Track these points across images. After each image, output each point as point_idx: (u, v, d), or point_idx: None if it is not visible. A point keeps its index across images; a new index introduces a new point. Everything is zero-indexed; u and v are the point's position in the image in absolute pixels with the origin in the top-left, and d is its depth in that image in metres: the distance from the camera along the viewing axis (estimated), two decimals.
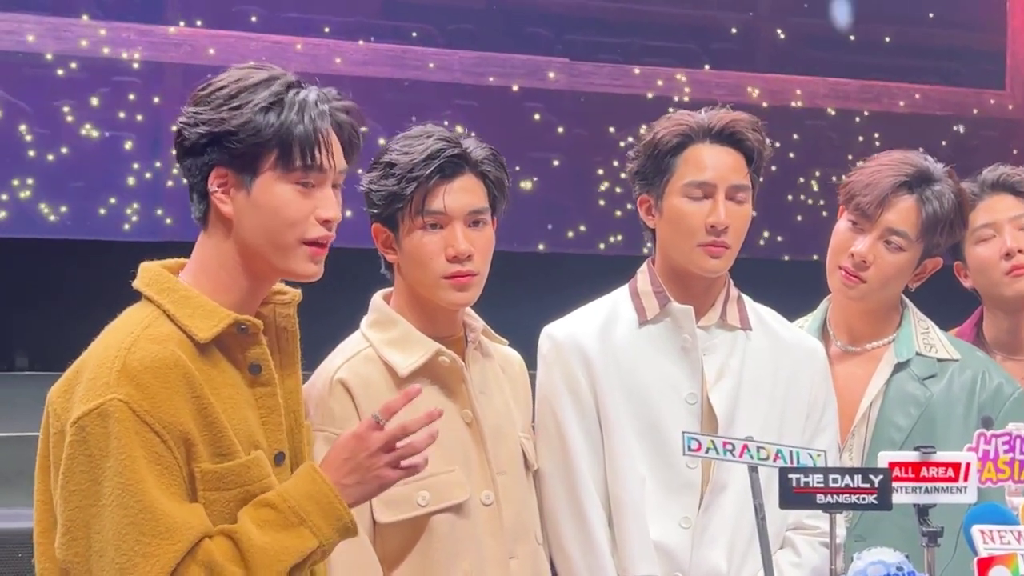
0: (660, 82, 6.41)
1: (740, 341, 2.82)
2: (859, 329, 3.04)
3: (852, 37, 6.81)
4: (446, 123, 2.69)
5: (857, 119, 6.73)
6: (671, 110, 2.98)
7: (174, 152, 2.30)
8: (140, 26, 5.74)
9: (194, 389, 2.15)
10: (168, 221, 5.70)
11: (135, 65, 5.69)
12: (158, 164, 5.70)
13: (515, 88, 6.25)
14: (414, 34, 6.13)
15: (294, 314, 2.38)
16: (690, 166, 2.76)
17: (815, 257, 3.11)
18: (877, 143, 6.16)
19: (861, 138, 6.65)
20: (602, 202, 6.25)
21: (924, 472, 2.33)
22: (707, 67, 6.58)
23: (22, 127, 5.54)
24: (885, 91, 6.80)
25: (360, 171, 2.58)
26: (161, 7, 5.80)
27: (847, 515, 2.80)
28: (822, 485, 2.25)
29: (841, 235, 2.99)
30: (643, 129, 2.83)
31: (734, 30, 6.71)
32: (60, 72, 5.61)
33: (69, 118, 5.60)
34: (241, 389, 2.23)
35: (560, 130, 6.30)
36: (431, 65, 6.12)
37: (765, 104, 6.54)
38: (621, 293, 2.88)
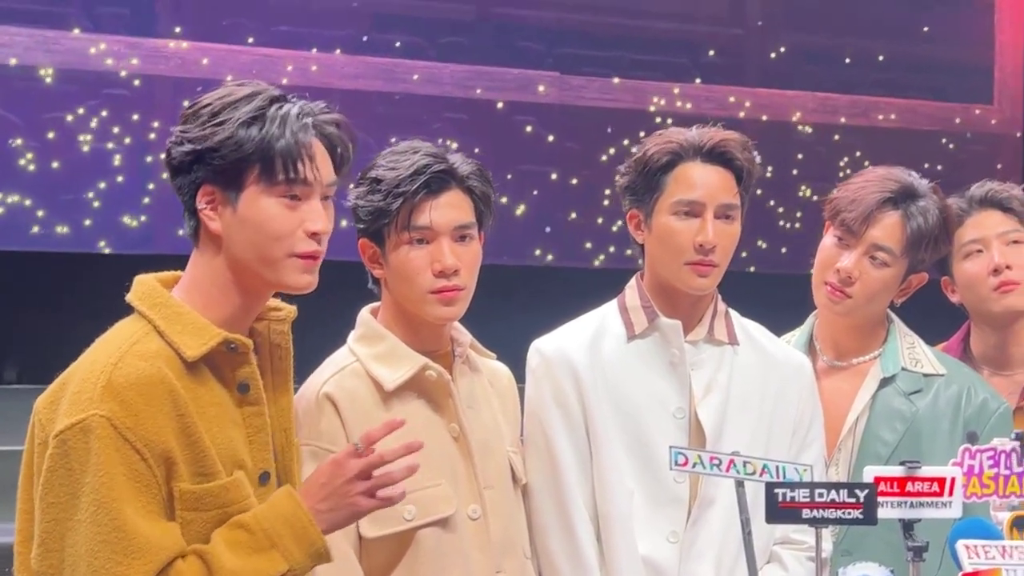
0: (650, 96, 6.42)
1: (728, 356, 2.83)
2: (845, 344, 3.05)
3: (840, 52, 6.84)
4: (441, 140, 2.69)
5: (845, 134, 6.75)
6: (661, 122, 2.99)
7: (164, 175, 2.31)
8: (131, 39, 5.74)
9: (178, 407, 2.15)
10: (159, 233, 5.70)
11: (126, 78, 5.70)
12: (149, 177, 5.70)
13: (506, 102, 6.26)
14: (405, 47, 6.14)
15: (288, 331, 2.38)
16: (680, 184, 2.77)
17: (803, 272, 3.12)
18: (864, 158, 6.18)
19: (848, 153, 6.67)
20: (592, 216, 6.26)
21: (909, 487, 2.34)
22: (697, 81, 6.59)
23: (12, 140, 5.54)
24: (873, 106, 6.82)
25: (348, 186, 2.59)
26: (152, 20, 5.81)
27: (833, 529, 2.81)
28: (808, 500, 2.26)
29: (827, 251, 3.01)
30: (626, 142, 2.84)
31: (724, 45, 6.73)
32: (50, 84, 5.61)
33: (59, 131, 5.60)
34: (228, 408, 2.23)
35: (551, 144, 6.32)
36: (421, 78, 6.13)
37: (754, 118, 6.56)
38: (610, 308, 2.89)
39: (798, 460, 2.68)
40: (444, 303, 2.58)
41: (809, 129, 6.72)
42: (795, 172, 6.62)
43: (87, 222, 5.64)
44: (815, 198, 3.12)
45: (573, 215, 6.29)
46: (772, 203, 6.52)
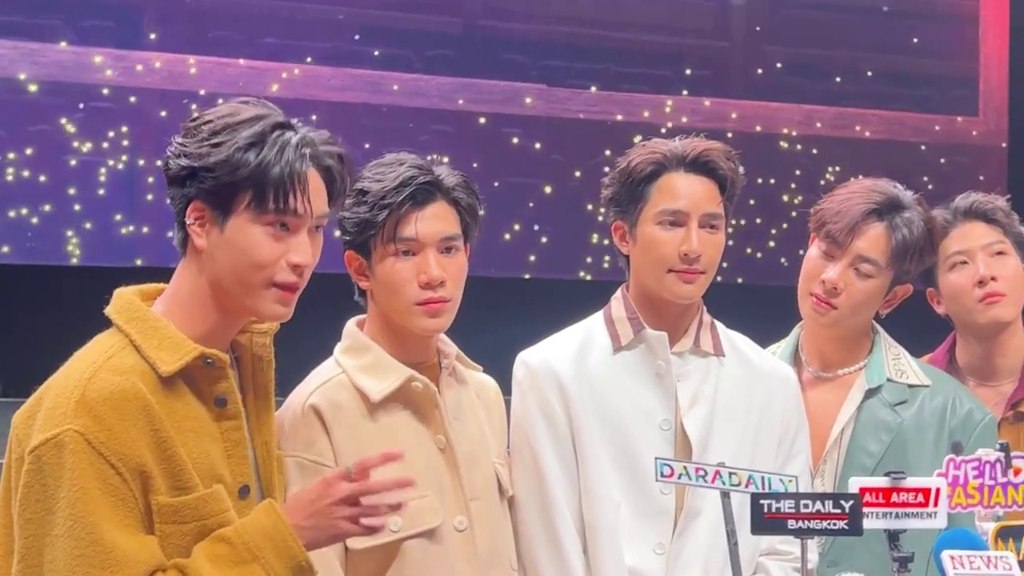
0: (637, 109, 6.44)
1: (713, 367, 2.84)
2: (831, 355, 3.05)
3: (826, 65, 6.85)
4: (433, 156, 2.69)
5: (830, 146, 6.76)
6: (647, 135, 3.00)
7: (150, 178, 2.30)
8: (118, 51, 5.74)
9: (153, 422, 2.14)
10: (145, 245, 5.69)
11: (112, 90, 5.70)
12: (136, 189, 5.69)
13: (492, 114, 6.27)
14: (391, 59, 6.15)
15: (270, 343, 2.38)
16: (664, 195, 2.78)
17: (788, 283, 3.13)
18: (850, 170, 6.20)
19: (834, 165, 6.69)
20: (578, 228, 6.26)
21: (895, 497, 2.35)
22: (684, 94, 6.61)
23: (1, 155, 5.54)
24: (859, 117, 6.84)
25: None
26: (139, 33, 5.80)
27: (819, 540, 2.81)
28: (793, 511, 2.26)
29: (812, 262, 3.02)
30: (611, 154, 2.84)
31: (710, 57, 6.75)
32: (36, 97, 5.61)
33: (45, 143, 5.60)
34: (205, 422, 2.23)
35: (537, 156, 6.32)
36: (408, 91, 6.14)
37: (740, 130, 6.58)
38: (596, 319, 2.89)
39: (784, 471, 2.68)
40: (430, 315, 2.58)
41: (794, 141, 6.73)
42: (780, 184, 6.64)
43: (73, 234, 5.63)
44: (800, 210, 3.12)
45: (559, 227, 6.30)
46: (757, 215, 6.53)
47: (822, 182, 6.52)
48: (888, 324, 3.11)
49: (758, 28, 6.83)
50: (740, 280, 6.32)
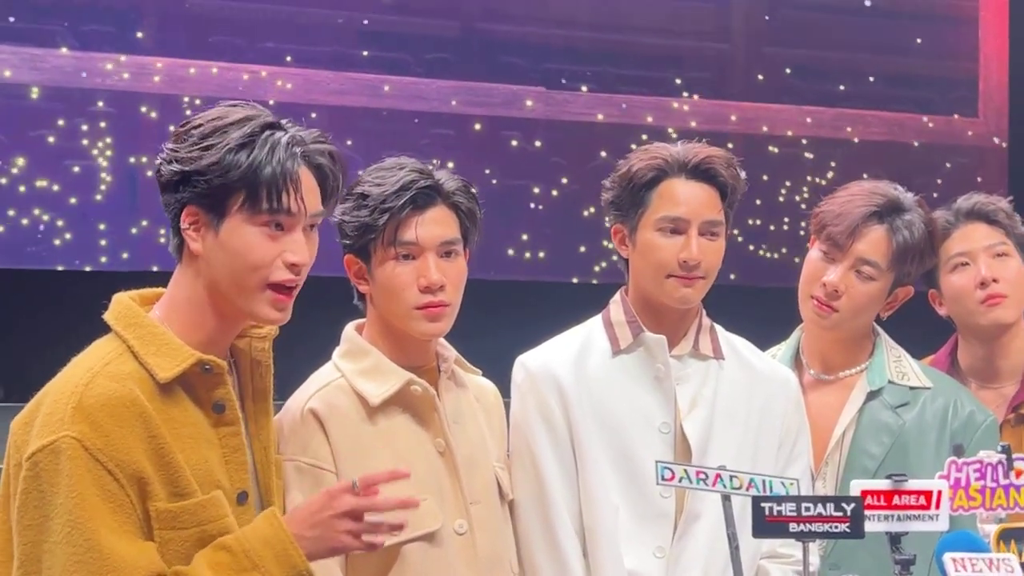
0: (636, 111, 6.44)
1: (713, 370, 2.83)
2: (832, 358, 3.05)
3: (826, 66, 6.85)
4: (435, 161, 2.68)
5: (830, 147, 6.76)
6: (647, 137, 3.00)
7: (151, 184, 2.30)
8: (118, 56, 5.74)
9: (150, 428, 2.14)
10: (146, 250, 5.68)
11: (112, 95, 5.69)
12: (136, 194, 5.69)
13: (491, 117, 6.27)
14: (390, 63, 6.14)
15: (269, 348, 2.38)
16: (664, 201, 2.77)
17: (789, 286, 3.12)
18: (850, 171, 6.19)
19: (834, 166, 6.69)
20: (578, 231, 6.26)
21: (896, 500, 2.34)
22: (684, 95, 6.60)
23: (1, 158, 5.53)
24: (859, 119, 6.83)
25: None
26: (138, 38, 5.80)
27: (820, 543, 2.81)
28: (795, 513, 2.26)
29: (813, 264, 3.01)
30: (612, 157, 2.84)
31: (710, 59, 6.75)
32: (36, 102, 5.61)
33: (45, 148, 5.60)
34: (203, 428, 2.23)
35: (536, 159, 6.32)
36: (407, 94, 6.13)
37: (740, 132, 6.57)
38: (595, 323, 2.89)
39: (785, 474, 2.69)
40: (429, 319, 2.58)
41: (795, 143, 6.73)
42: (780, 186, 6.63)
43: (73, 239, 5.63)
44: (801, 212, 3.12)
45: (558, 230, 6.29)
46: (757, 216, 6.53)
47: (822, 184, 6.51)
48: (889, 326, 3.11)
49: (758, 30, 6.82)
50: (740, 282, 6.32)
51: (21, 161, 5.61)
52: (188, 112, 5.47)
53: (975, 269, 3.17)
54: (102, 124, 5.70)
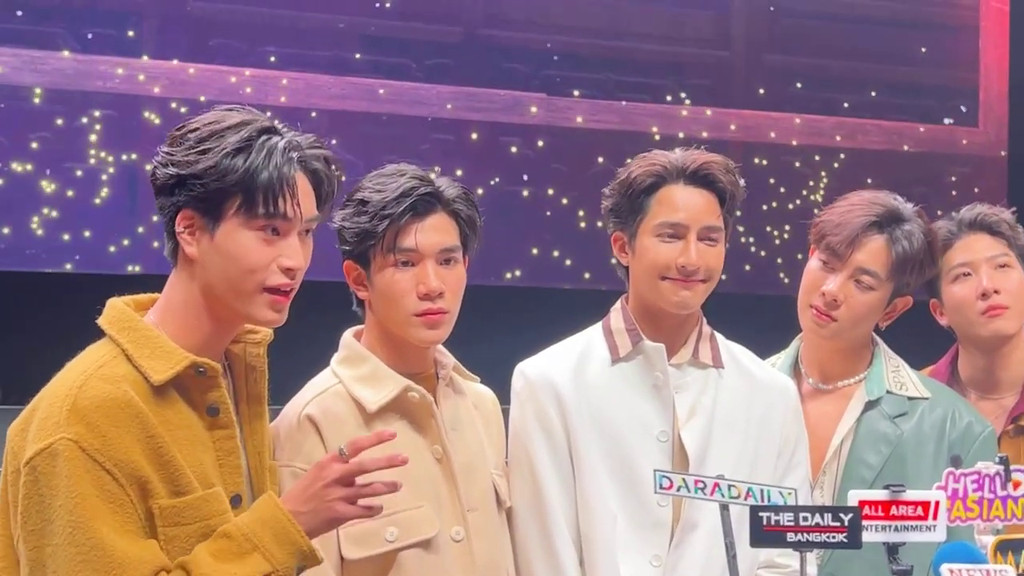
0: (637, 118, 6.44)
1: (712, 379, 2.83)
2: (830, 367, 3.05)
3: (826, 74, 6.85)
4: (436, 168, 2.69)
5: (830, 156, 6.76)
6: (647, 144, 3.00)
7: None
8: (119, 59, 5.73)
9: (147, 429, 2.14)
10: (147, 254, 5.68)
11: (113, 98, 5.69)
12: (137, 197, 5.69)
13: (492, 123, 6.27)
14: (391, 68, 6.15)
15: (264, 353, 2.38)
16: (663, 207, 2.78)
17: (788, 294, 3.12)
18: (850, 181, 6.19)
19: (834, 175, 6.69)
20: (578, 238, 6.26)
21: (894, 510, 2.34)
22: (685, 103, 6.61)
23: (0, 161, 5.54)
24: (859, 128, 6.84)
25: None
26: (140, 41, 5.80)
27: (818, 553, 2.81)
28: (792, 523, 2.26)
29: (812, 274, 3.01)
30: (611, 163, 2.84)
31: (710, 67, 6.75)
32: (38, 104, 5.61)
33: (46, 150, 5.60)
34: (198, 431, 2.23)
35: (537, 165, 6.32)
36: (408, 99, 6.13)
37: (739, 140, 6.57)
38: (595, 331, 2.89)
39: (783, 483, 2.69)
40: (428, 326, 2.58)
41: (795, 151, 6.73)
42: (780, 194, 6.63)
43: (74, 241, 5.62)
44: (801, 221, 3.11)
45: (559, 236, 6.29)
46: (757, 225, 6.53)
47: (822, 193, 6.51)
48: (889, 336, 3.11)
49: (758, 38, 6.83)
50: (739, 291, 6.32)
51: (21, 163, 5.60)
52: (189, 115, 5.48)
53: (977, 280, 3.17)
54: (103, 127, 5.70)
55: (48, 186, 5.61)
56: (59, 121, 5.67)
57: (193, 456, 2.21)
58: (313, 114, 5.86)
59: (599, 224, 5.99)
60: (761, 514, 2.26)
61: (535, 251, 6.31)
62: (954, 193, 6.61)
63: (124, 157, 5.68)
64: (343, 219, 2.62)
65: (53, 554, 2.10)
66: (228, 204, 2.21)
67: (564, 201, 6.33)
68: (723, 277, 2.85)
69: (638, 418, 2.78)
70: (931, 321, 3.27)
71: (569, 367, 2.82)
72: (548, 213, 6.33)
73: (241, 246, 2.21)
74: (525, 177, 6.32)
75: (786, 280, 6.31)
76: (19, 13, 5.62)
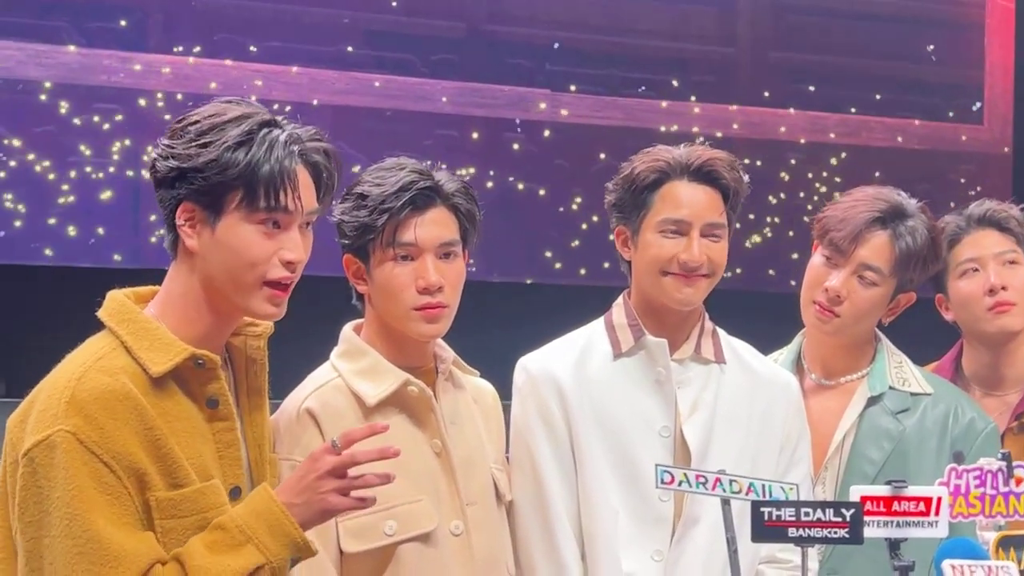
0: (641, 114, 6.43)
1: (714, 374, 2.83)
2: (833, 363, 3.05)
3: (831, 71, 6.84)
4: (442, 165, 2.68)
5: (834, 153, 6.76)
6: (651, 140, 3.00)
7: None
8: (123, 53, 5.74)
9: (145, 421, 2.14)
10: (151, 248, 5.69)
11: (117, 92, 5.69)
12: (143, 191, 5.69)
13: (496, 118, 6.26)
14: (395, 64, 6.14)
15: (264, 346, 2.38)
16: (666, 203, 2.77)
17: (791, 291, 3.12)
18: (854, 177, 6.19)
19: (838, 172, 6.68)
20: (582, 233, 6.26)
21: (896, 506, 2.34)
22: (691, 99, 6.60)
23: (3, 154, 5.54)
24: (863, 125, 6.83)
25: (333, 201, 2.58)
26: (144, 35, 5.80)
27: (819, 548, 2.81)
28: (794, 519, 2.26)
29: (815, 270, 3.01)
30: (615, 159, 2.84)
31: (715, 63, 6.74)
32: (42, 99, 5.62)
33: (51, 144, 5.60)
34: (197, 423, 2.23)
35: (540, 161, 6.31)
36: (412, 95, 6.13)
37: (744, 136, 6.57)
38: (597, 325, 2.89)
39: (785, 478, 2.68)
40: (428, 320, 2.58)
41: (799, 148, 6.73)
42: (784, 190, 6.63)
43: (82, 236, 5.63)
44: (804, 217, 3.11)
45: (561, 232, 6.29)
46: (761, 221, 6.53)
47: (826, 189, 6.51)
48: (892, 332, 3.11)
49: (763, 35, 6.82)
50: (742, 287, 6.32)
51: (26, 156, 5.61)
52: (193, 109, 5.48)
53: (984, 276, 3.17)
54: (107, 121, 5.70)
55: (53, 179, 5.61)
56: (63, 115, 5.67)
57: (192, 448, 2.21)
58: (315, 102, 5.86)
59: (593, 218, 6.01)
60: (763, 509, 2.27)
61: (537, 246, 6.30)
62: (958, 190, 6.60)
63: (128, 151, 5.68)
64: (342, 213, 2.61)
65: (50, 546, 2.10)
66: (229, 197, 2.20)
67: (567, 197, 6.33)
68: (727, 274, 2.85)
69: (640, 413, 2.78)
70: (934, 317, 3.26)
71: (571, 362, 2.82)
72: (550, 209, 6.33)
73: (242, 239, 2.21)
74: (528, 173, 6.32)
75: (790, 277, 6.31)
76: (22, 9, 5.63)
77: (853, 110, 6.83)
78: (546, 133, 6.36)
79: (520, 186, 6.29)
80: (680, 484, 2.37)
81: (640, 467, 2.73)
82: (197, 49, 5.84)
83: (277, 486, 2.34)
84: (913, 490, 2.35)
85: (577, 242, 6.30)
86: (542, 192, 6.31)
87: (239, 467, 2.28)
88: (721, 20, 6.85)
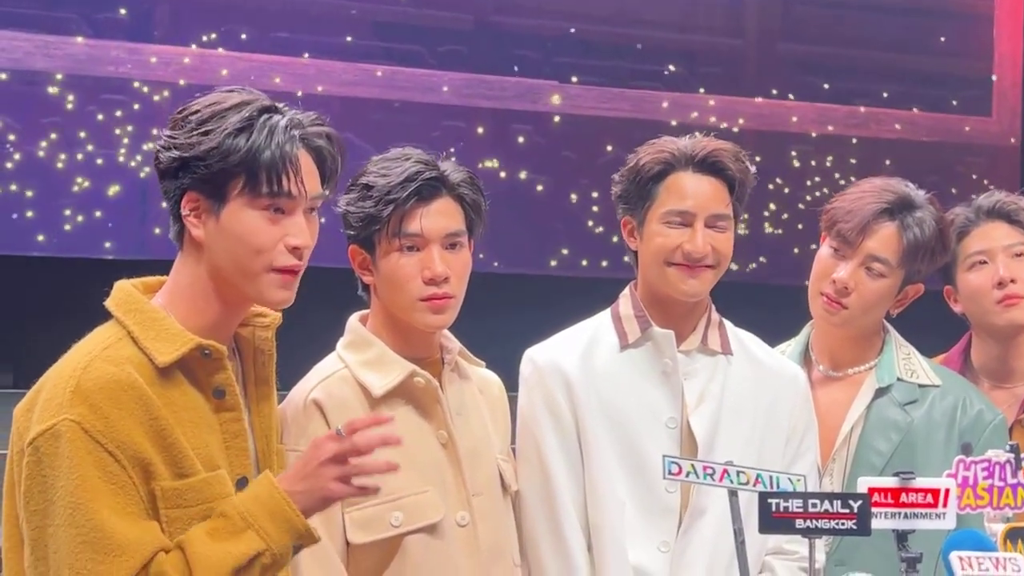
0: (648, 106, 6.43)
1: (721, 366, 2.83)
2: (841, 354, 3.04)
3: (839, 63, 6.83)
4: (449, 152, 2.68)
5: (843, 145, 6.74)
6: (659, 132, 3.00)
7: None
8: (130, 44, 5.74)
9: (150, 411, 2.14)
10: (159, 239, 5.69)
11: (124, 83, 5.70)
12: (149, 182, 5.70)
13: (504, 110, 6.26)
14: (403, 55, 6.14)
15: (272, 337, 2.38)
16: (671, 194, 2.77)
17: (802, 283, 3.11)
18: (862, 169, 6.18)
19: (846, 164, 6.67)
20: (588, 224, 6.26)
21: (903, 498, 2.33)
22: (699, 91, 6.60)
23: (11, 146, 5.54)
24: (872, 116, 6.82)
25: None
26: (151, 26, 5.80)
27: (826, 540, 2.81)
28: (801, 510, 2.25)
29: (823, 261, 3.00)
30: (623, 151, 2.84)
31: (723, 55, 6.73)
32: (50, 90, 5.62)
33: (59, 135, 5.60)
34: (204, 413, 2.23)
35: (548, 152, 6.31)
36: (419, 86, 6.13)
37: (752, 128, 6.56)
38: (603, 317, 2.89)
39: (792, 470, 2.68)
40: (434, 311, 2.58)
41: (807, 140, 6.71)
42: (792, 182, 6.62)
43: (89, 227, 5.64)
44: (812, 208, 3.10)
45: (568, 223, 6.29)
46: (768, 213, 6.52)
47: (833, 181, 6.49)
48: (900, 323, 3.10)
49: (771, 27, 6.81)
50: (749, 279, 6.31)
51: (33, 147, 5.61)
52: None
53: (993, 268, 3.16)
54: (115, 112, 5.70)
55: (60, 170, 5.62)
56: (71, 106, 5.67)
57: (198, 438, 2.20)
58: (322, 91, 5.85)
59: (599, 210, 6.01)
60: (770, 500, 2.26)
61: (543, 238, 6.30)
62: (967, 182, 6.59)
63: (136, 142, 5.69)
64: (348, 203, 2.61)
65: (54, 534, 2.10)
66: (232, 184, 2.20)
67: (574, 188, 6.33)
68: (733, 266, 2.85)
69: (647, 404, 2.77)
70: (943, 309, 3.25)
71: (578, 353, 2.82)
72: (558, 200, 6.32)
73: (247, 226, 2.21)
74: (535, 164, 6.32)
75: (798, 268, 6.30)
76: (31, 0, 5.63)
77: (861, 102, 6.82)
78: (553, 125, 6.36)
79: (526, 178, 6.29)
80: (688, 475, 2.37)
81: (647, 458, 2.72)
82: (205, 40, 5.84)
83: None
84: (921, 482, 2.35)
85: (583, 234, 6.29)
86: (549, 184, 6.30)
87: (246, 457, 2.28)
88: (729, 12, 6.84)
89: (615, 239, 5.59)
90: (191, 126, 2.22)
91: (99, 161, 5.67)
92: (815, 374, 3.06)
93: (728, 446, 2.73)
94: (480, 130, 6.26)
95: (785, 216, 6.60)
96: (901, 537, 2.32)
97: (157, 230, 5.62)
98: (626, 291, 2.89)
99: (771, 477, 2.36)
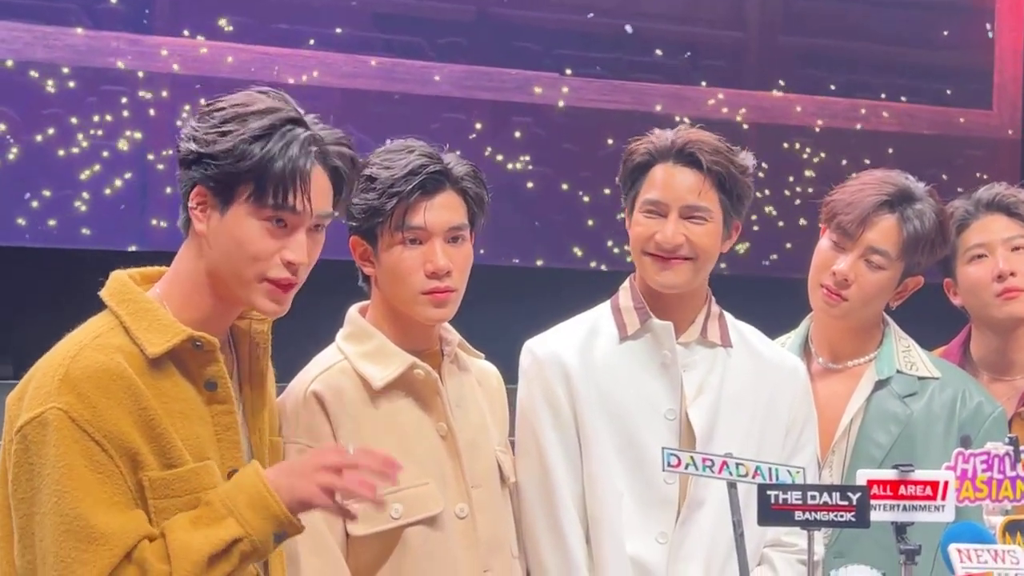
0: (649, 98, 6.42)
1: (720, 358, 2.83)
2: (841, 347, 3.05)
3: (840, 56, 6.83)
4: (446, 145, 2.67)
5: (843, 137, 6.74)
6: (660, 124, 3.00)
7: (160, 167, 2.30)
8: (130, 35, 5.73)
9: (139, 401, 2.14)
10: (158, 230, 5.69)
11: (124, 75, 5.69)
12: (150, 174, 5.69)
13: (504, 102, 6.26)
14: (403, 47, 6.14)
15: (268, 330, 2.37)
16: (649, 185, 2.80)
17: (802, 276, 3.11)
18: (863, 162, 6.18)
19: (847, 157, 6.67)
20: (588, 216, 6.25)
21: (902, 490, 2.33)
22: (701, 84, 6.59)
23: (10, 137, 5.54)
24: (872, 109, 6.82)
25: None
26: (151, 17, 5.80)
27: (825, 532, 2.81)
28: (800, 502, 2.26)
29: (823, 254, 3.01)
30: (614, 143, 2.85)
31: (724, 48, 6.73)
32: (49, 81, 5.62)
33: (58, 127, 5.60)
34: (195, 405, 2.23)
35: (548, 145, 6.31)
36: (420, 78, 6.13)
37: (752, 121, 6.55)
38: (603, 309, 2.89)
39: (791, 462, 2.67)
40: (435, 304, 2.58)
41: (808, 132, 6.71)
42: (792, 175, 6.62)
43: (85, 217, 5.64)
44: (813, 201, 3.10)
45: (568, 215, 6.28)
46: (769, 206, 6.52)
47: (834, 173, 6.49)
48: (899, 316, 3.10)
49: (773, 19, 6.81)
50: (748, 272, 6.31)
51: (34, 140, 5.61)
52: (201, 92, 5.48)
53: (992, 261, 3.16)
54: (114, 104, 5.70)
55: (60, 161, 5.61)
56: (71, 97, 5.66)
57: (188, 429, 2.20)
58: (322, 83, 5.85)
59: (600, 202, 6.01)
60: (769, 492, 2.26)
61: (543, 230, 6.30)
62: (967, 175, 6.58)
63: (136, 134, 5.68)
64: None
65: (40, 522, 2.11)
66: (240, 189, 2.20)
67: (574, 181, 6.32)
68: (734, 255, 2.85)
69: (646, 396, 2.78)
70: (942, 301, 3.25)
71: (577, 345, 2.82)
72: (558, 193, 6.32)
73: (246, 233, 2.21)
74: (536, 157, 6.31)
75: (798, 261, 6.30)
76: None
77: (861, 95, 6.81)
78: (554, 117, 6.36)
79: (527, 170, 6.28)
80: (687, 467, 2.37)
81: (645, 450, 2.73)
82: (205, 31, 5.83)
83: None
84: (920, 474, 2.35)
85: (583, 226, 6.29)
86: (549, 176, 6.30)
87: (237, 450, 2.28)
88: (731, 4, 6.83)
89: (615, 231, 5.57)
90: (213, 122, 2.21)
91: (102, 153, 5.67)
92: (815, 366, 3.06)
93: (727, 438, 2.73)
94: (479, 123, 6.26)
95: (784, 208, 6.59)
96: (900, 529, 2.32)
97: (156, 221, 5.62)
98: (626, 283, 2.89)
99: (770, 469, 2.36)
